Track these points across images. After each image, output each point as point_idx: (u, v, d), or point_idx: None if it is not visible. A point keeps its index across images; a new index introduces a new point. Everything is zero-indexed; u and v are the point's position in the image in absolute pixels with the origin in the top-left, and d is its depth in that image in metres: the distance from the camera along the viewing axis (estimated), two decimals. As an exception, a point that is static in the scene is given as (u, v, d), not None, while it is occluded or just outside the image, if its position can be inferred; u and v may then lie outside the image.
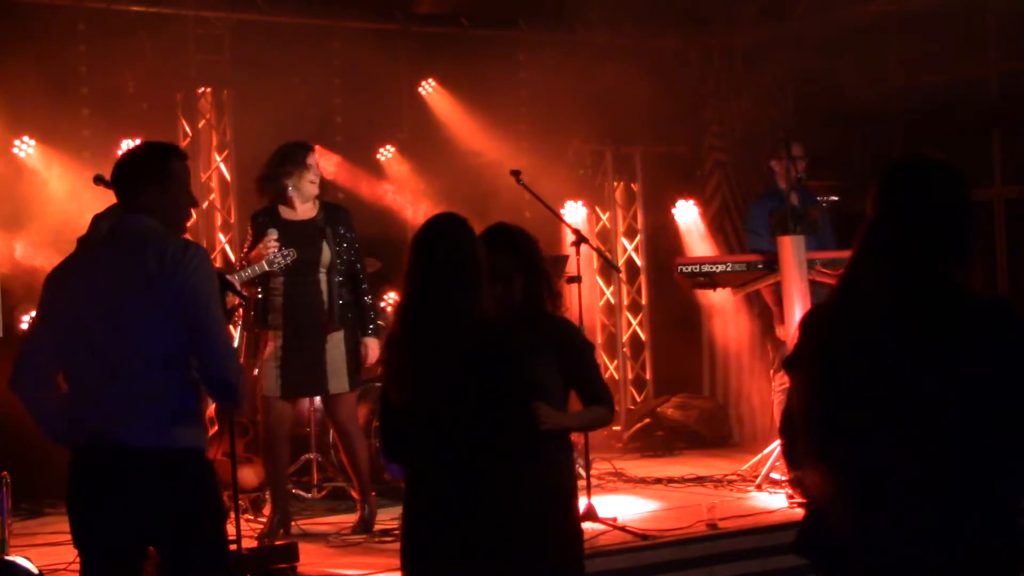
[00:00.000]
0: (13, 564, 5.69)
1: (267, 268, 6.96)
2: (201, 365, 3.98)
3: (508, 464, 3.87)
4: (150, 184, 4.09)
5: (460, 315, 3.84)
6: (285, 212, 7.19)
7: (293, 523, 7.23)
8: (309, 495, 8.03)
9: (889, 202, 3.10)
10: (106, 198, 6.59)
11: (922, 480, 3.00)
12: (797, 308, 7.74)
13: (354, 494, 7.86)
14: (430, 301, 3.87)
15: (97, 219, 6.59)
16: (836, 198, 8.94)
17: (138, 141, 8.39)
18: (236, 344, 7.41)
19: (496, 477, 3.85)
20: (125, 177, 4.16)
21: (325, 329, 7.12)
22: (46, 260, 8.34)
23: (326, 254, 7.14)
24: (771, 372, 8.89)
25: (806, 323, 3.27)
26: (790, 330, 7.89)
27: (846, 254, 3.31)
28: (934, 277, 3.05)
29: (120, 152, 4.31)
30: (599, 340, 11.13)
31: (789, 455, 3.38)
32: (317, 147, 9.89)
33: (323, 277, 7.13)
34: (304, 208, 7.22)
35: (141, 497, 3.92)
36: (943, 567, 3.00)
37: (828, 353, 3.14)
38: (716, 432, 10.53)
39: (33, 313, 8.31)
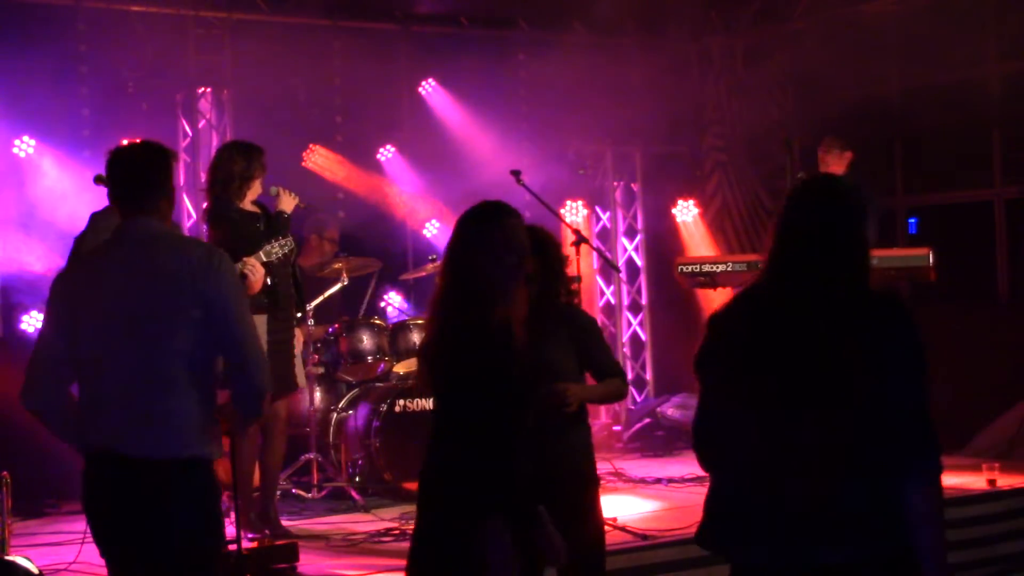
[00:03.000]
0: (13, 564, 5.69)
1: (264, 260, 6.81)
2: (234, 377, 3.89)
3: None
4: (161, 186, 3.97)
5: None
6: (245, 206, 6.95)
7: (293, 523, 7.24)
8: (309, 495, 8.02)
9: (785, 218, 3.37)
10: (106, 197, 6.61)
11: (819, 474, 3.13)
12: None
13: (355, 494, 7.86)
14: None
15: (95, 217, 6.56)
16: None
17: (137, 141, 8.50)
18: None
19: None
20: (134, 177, 3.99)
21: (295, 322, 7.20)
22: (46, 260, 8.35)
23: (296, 245, 7.13)
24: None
25: (715, 324, 3.45)
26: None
27: None
28: (826, 283, 3.25)
29: (114, 149, 4.09)
30: (599, 340, 11.11)
31: (703, 453, 3.53)
32: (317, 147, 9.99)
33: (291, 269, 7.11)
34: (250, 205, 7.03)
35: (146, 507, 3.82)
36: (838, 566, 3.11)
37: (736, 353, 3.32)
38: (716, 432, 10.52)
39: (34, 314, 8.39)
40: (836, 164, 8.60)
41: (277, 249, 6.78)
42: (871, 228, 3.36)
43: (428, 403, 8.30)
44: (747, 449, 3.26)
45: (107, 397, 3.88)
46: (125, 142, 4.19)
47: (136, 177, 3.99)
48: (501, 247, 3.82)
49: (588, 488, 4.75)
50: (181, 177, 9.25)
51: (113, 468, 3.86)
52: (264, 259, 6.68)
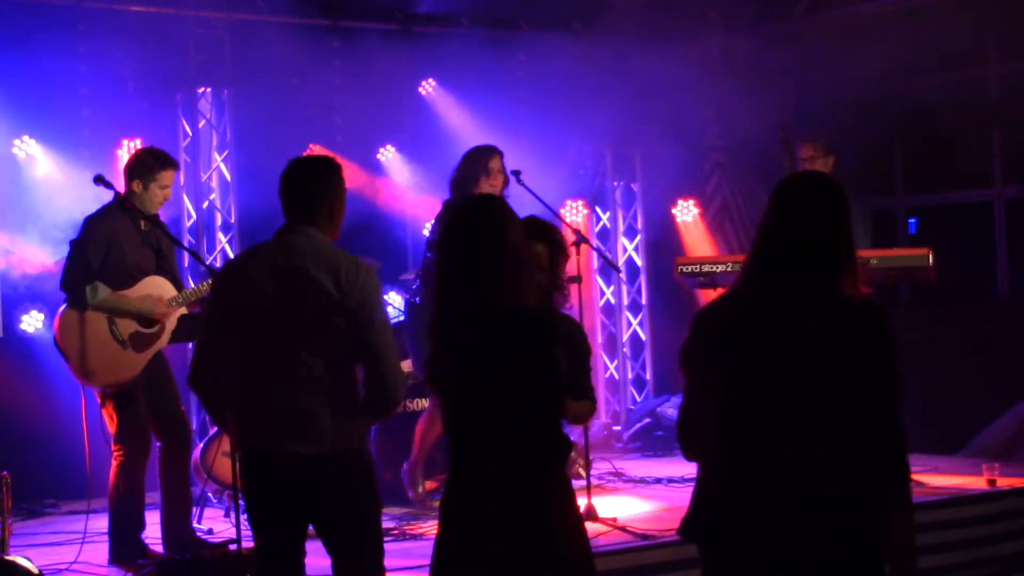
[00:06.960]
0: (13, 564, 5.68)
1: None
2: (370, 380, 4.25)
3: None
4: (320, 199, 4.33)
5: None
6: None
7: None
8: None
9: (768, 221, 3.44)
10: (107, 198, 6.60)
11: (802, 469, 3.26)
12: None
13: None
14: None
15: (90, 221, 6.53)
16: None
17: (138, 141, 8.50)
18: None
19: None
20: (294, 189, 4.35)
21: None
22: (46, 260, 8.34)
23: None
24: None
25: (699, 322, 3.51)
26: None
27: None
28: (811, 289, 3.32)
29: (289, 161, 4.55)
30: (599, 340, 11.13)
31: (688, 447, 3.56)
32: (317, 147, 9.98)
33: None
34: None
35: (305, 498, 4.25)
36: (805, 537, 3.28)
37: (721, 353, 3.38)
38: (716, 432, 10.51)
39: (33, 314, 8.39)
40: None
41: None
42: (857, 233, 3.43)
43: (427, 403, 8.30)
44: (731, 448, 3.36)
45: (255, 395, 4.27)
46: (299, 157, 4.56)
47: (296, 189, 4.36)
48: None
49: None
50: (181, 178, 9.22)
51: (267, 463, 4.27)
52: None
